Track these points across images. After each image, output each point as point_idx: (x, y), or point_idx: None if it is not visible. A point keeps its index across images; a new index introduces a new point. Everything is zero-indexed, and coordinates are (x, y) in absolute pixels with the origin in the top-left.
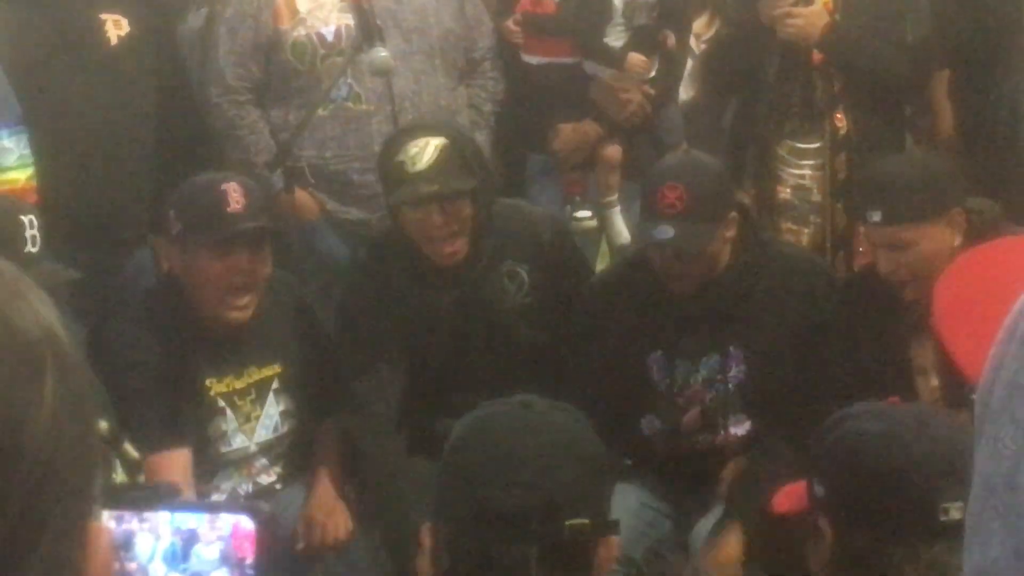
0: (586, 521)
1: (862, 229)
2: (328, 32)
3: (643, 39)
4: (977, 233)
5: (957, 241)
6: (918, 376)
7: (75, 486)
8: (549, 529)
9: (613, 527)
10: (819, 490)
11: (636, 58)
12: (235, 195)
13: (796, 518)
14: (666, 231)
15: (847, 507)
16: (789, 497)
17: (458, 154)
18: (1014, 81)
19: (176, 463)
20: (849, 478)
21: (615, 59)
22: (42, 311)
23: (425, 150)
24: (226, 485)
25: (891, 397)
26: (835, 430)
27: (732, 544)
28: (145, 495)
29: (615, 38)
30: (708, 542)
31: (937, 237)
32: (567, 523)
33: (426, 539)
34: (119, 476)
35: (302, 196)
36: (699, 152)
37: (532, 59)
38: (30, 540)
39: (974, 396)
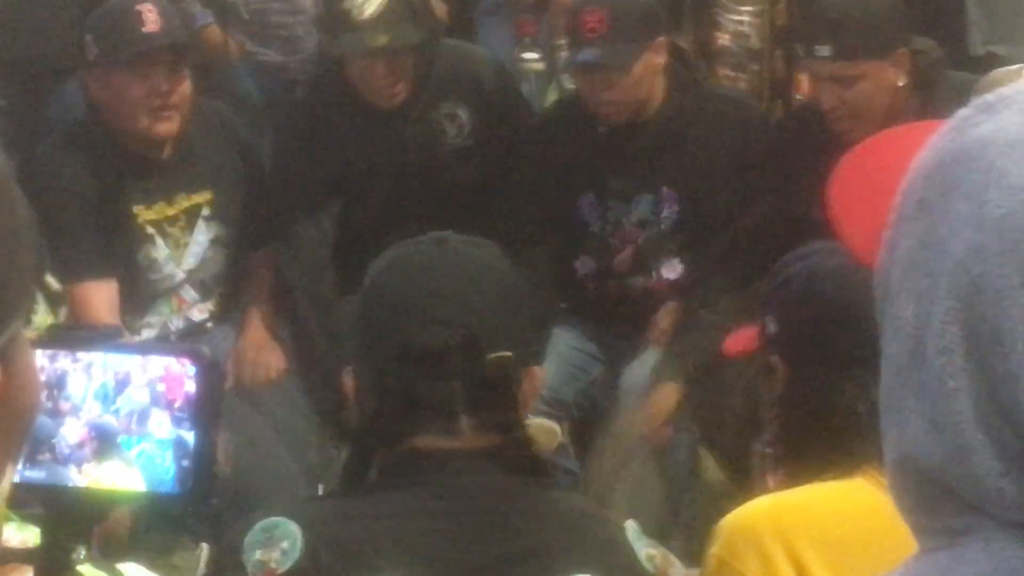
0: (508, 354)
1: (803, 75)
2: None
3: None
4: (920, 74)
5: (901, 81)
6: None
7: None
8: (470, 364)
9: (535, 357)
10: (771, 327)
11: None
12: (151, 15)
13: (746, 359)
14: (589, 53)
15: (800, 341)
16: (740, 340)
17: (405, 2)
18: None
19: (101, 294)
20: (802, 312)
21: None
22: None
23: None
24: (156, 320)
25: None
26: (789, 266)
27: (666, 397)
28: (84, 336)
29: None
30: (642, 395)
31: (882, 76)
32: (488, 356)
33: (348, 384)
34: (40, 308)
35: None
36: None
37: None
38: None
39: None
